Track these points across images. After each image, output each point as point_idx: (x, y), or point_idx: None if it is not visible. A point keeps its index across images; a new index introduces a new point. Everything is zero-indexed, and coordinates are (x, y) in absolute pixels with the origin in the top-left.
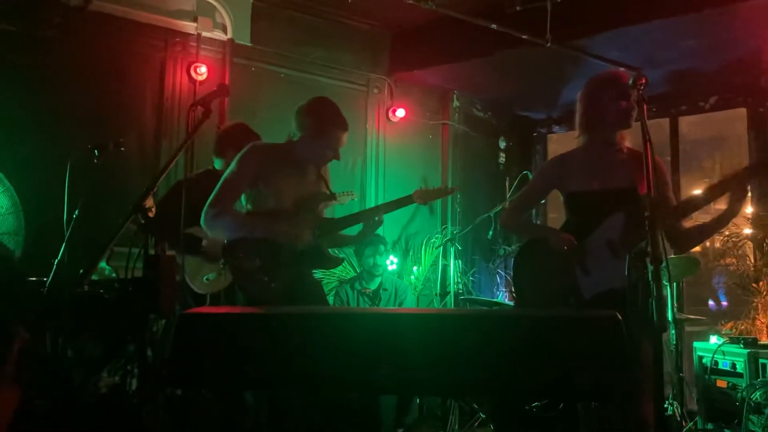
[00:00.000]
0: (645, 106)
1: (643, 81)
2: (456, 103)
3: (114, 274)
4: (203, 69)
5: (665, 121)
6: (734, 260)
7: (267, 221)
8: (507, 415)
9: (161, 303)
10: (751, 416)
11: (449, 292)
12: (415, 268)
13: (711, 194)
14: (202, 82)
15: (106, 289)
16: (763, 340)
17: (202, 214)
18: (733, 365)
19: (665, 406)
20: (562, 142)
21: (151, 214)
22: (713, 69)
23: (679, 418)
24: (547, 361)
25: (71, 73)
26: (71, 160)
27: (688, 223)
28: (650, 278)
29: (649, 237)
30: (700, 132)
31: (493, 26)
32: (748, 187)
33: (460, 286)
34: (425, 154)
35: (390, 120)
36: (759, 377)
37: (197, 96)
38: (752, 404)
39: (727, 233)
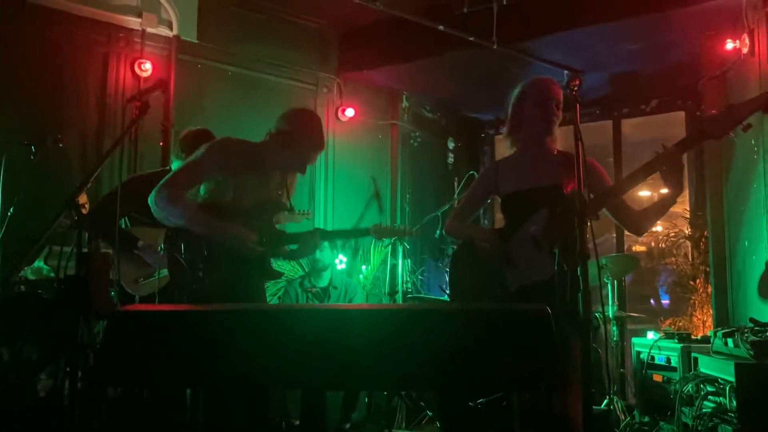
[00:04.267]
0: (578, 107)
1: (577, 82)
2: (405, 104)
3: (52, 274)
4: (148, 65)
5: (608, 123)
6: (674, 259)
7: (216, 221)
8: (453, 412)
9: (94, 301)
10: (683, 408)
11: (398, 291)
12: (364, 267)
13: (643, 173)
14: (146, 79)
15: (44, 288)
16: (698, 335)
17: (153, 192)
18: (668, 360)
19: (606, 401)
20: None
21: (84, 211)
22: (654, 73)
23: (619, 413)
24: (480, 354)
25: (7, 67)
26: (6, 156)
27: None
28: (578, 273)
29: (577, 233)
30: (642, 134)
31: (441, 27)
32: (683, 162)
33: (409, 285)
34: (375, 154)
35: (339, 119)
36: (691, 371)
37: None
38: (684, 396)
39: (667, 233)
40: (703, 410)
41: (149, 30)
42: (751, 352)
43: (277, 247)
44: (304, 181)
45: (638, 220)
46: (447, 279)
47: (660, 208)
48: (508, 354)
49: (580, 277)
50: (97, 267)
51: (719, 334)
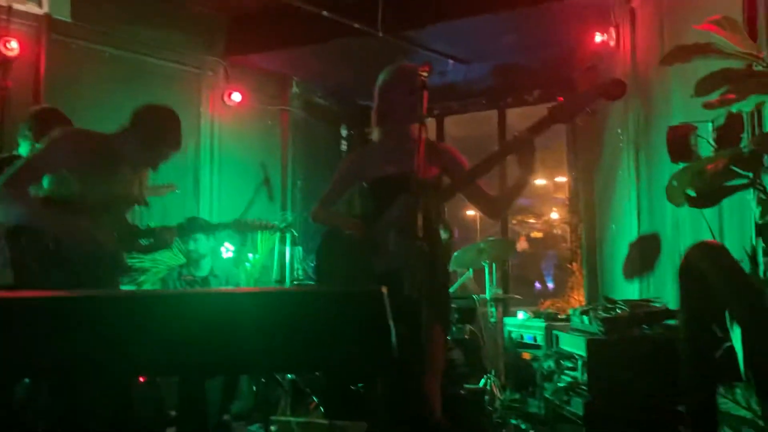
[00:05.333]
0: (426, 93)
1: (427, 68)
2: (295, 90)
3: None
4: (14, 44)
5: (494, 113)
6: (557, 244)
7: (60, 217)
8: (337, 397)
9: None
10: (545, 383)
11: (287, 278)
12: (251, 255)
13: (496, 158)
14: (13, 59)
15: None
16: (563, 314)
17: None
18: (535, 338)
19: (483, 380)
20: None
21: None
22: (534, 64)
23: (496, 391)
24: (312, 336)
25: None
26: None
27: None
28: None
29: (420, 218)
30: (527, 123)
31: (324, 13)
32: (533, 147)
33: (300, 273)
34: (264, 140)
35: (225, 104)
36: (553, 348)
37: (8, 73)
38: (545, 372)
39: (547, 218)
40: (561, 384)
41: (16, 6)
42: (601, 329)
43: (130, 242)
44: (187, 167)
45: (493, 205)
46: (313, 267)
47: (513, 192)
48: (341, 337)
49: (425, 259)
50: None
51: (576, 312)
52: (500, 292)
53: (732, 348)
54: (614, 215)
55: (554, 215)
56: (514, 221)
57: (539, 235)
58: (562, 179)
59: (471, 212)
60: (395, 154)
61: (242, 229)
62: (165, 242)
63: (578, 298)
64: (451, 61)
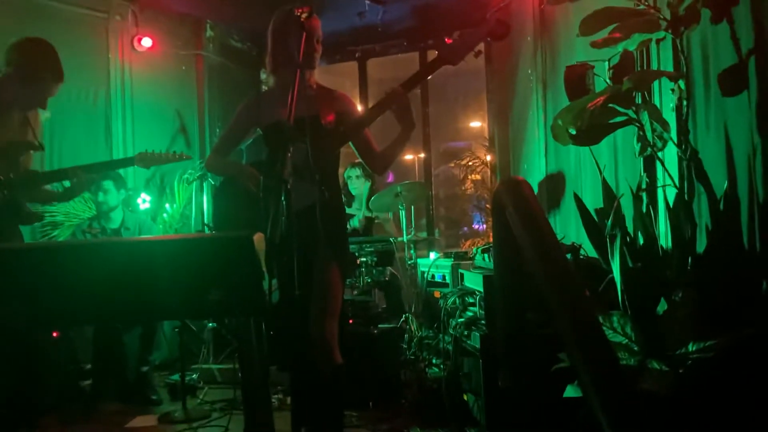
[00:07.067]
0: (304, 35)
1: (306, 9)
2: (210, 33)
3: None
4: None
5: (416, 55)
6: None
7: None
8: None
9: None
10: (451, 319)
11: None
12: (168, 205)
13: (373, 112)
14: None
15: None
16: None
17: None
18: (444, 277)
19: (402, 319)
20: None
21: None
22: (452, 5)
23: (414, 329)
24: (188, 281)
25: None
26: None
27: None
28: (283, 198)
29: (289, 164)
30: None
31: None
32: (408, 102)
33: None
34: (179, 86)
35: (136, 50)
36: (459, 285)
37: None
38: (449, 309)
39: (472, 162)
40: (461, 320)
41: None
42: None
43: (30, 190)
44: (98, 116)
45: (377, 160)
46: (211, 214)
47: (394, 147)
48: (213, 281)
49: (284, 202)
50: None
51: (479, 250)
52: (423, 235)
53: (612, 279)
54: (526, 155)
55: (489, 157)
56: (452, 164)
57: (478, 177)
58: None
59: (410, 156)
60: (291, 100)
61: (147, 164)
62: (81, 183)
63: None
64: (367, 2)
